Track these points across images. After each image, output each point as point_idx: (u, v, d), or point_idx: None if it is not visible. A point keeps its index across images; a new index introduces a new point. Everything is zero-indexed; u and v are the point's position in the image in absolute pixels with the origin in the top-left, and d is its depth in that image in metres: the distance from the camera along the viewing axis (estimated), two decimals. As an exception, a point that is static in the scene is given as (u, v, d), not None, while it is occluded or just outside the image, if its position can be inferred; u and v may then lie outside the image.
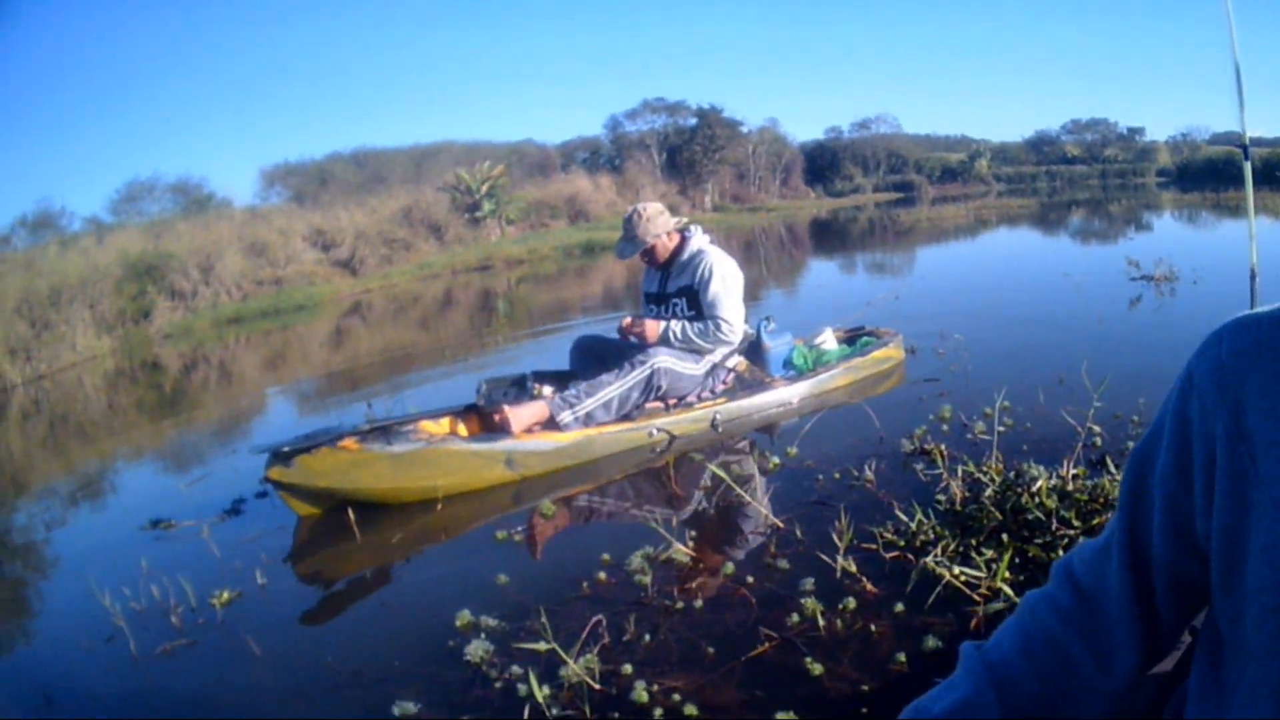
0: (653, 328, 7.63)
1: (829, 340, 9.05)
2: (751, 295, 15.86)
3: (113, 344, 27.84)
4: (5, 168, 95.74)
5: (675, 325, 7.61)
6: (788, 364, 8.58)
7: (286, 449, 6.64)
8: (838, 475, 5.92)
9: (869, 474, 5.69)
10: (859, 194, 66.33)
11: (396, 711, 3.87)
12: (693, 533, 5.30)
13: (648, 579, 4.76)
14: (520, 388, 7.90)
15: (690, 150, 61.50)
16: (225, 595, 5.49)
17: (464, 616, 4.65)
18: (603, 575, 4.94)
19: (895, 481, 5.67)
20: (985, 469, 5.26)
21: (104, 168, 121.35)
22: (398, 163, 57.38)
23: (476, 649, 4.25)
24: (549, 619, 4.22)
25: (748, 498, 5.48)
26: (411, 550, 6.16)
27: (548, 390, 7.84)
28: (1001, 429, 5.90)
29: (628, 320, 7.82)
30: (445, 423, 7.66)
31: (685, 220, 8.07)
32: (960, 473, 5.19)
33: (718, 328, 7.58)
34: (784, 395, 8.01)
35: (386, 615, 5.20)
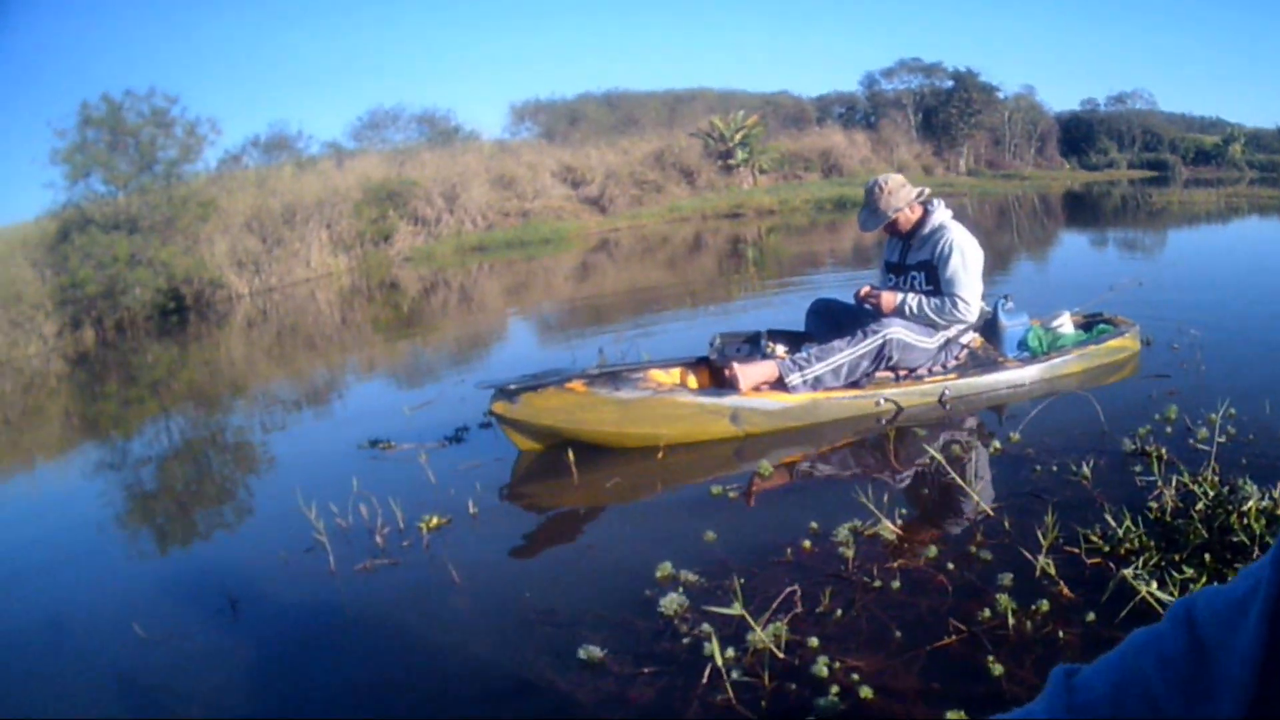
0: (889, 299, 7.62)
1: (1066, 324, 8.86)
2: (998, 267, 15.74)
3: (349, 263, 28.89)
4: (240, 89, 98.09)
5: (912, 299, 7.58)
6: (1022, 345, 8.43)
7: (513, 386, 6.85)
8: (1055, 467, 5.85)
9: (1085, 470, 5.59)
10: (1113, 169, 64.26)
11: (582, 654, 3.98)
12: (903, 510, 5.29)
13: (850, 552, 4.80)
14: (753, 345, 7.96)
15: (946, 112, 60.40)
16: (434, 520, 5.80)
17: (664, 568, 4.79)
18: (807, 543, 5.02)
19: (1110, 482, 5.56)
20: (1200, 480, 5.10)
21: (346, 96, 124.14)
22: (651, 106, 57.09)
23: (671, 603, 4.37)
24: (746, 581, 4.39)
25: (961, 482, 5.43)
26: (626, 496, 6.32)
27: (780, 350, 7.89)
28: (1222, 439, 5.67)
29: (865, 289, 7.84)
30: (675, 373, 7.79)
31: (928, 192, 8.00)
32: (1174, 482, 5.05)
33: (954, 305, 7.52)
34: (1015, 377, 7.90)
35: (589, 558, 5.34)
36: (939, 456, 5.62)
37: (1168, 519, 4.81)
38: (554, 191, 40.00)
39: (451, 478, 6.73)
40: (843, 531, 5.03)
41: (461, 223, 34.77)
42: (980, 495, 5.39)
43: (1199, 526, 4.56)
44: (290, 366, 14.10)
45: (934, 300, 7.59)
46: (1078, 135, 69.75)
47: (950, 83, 61.73)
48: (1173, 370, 8.20)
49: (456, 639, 4.47)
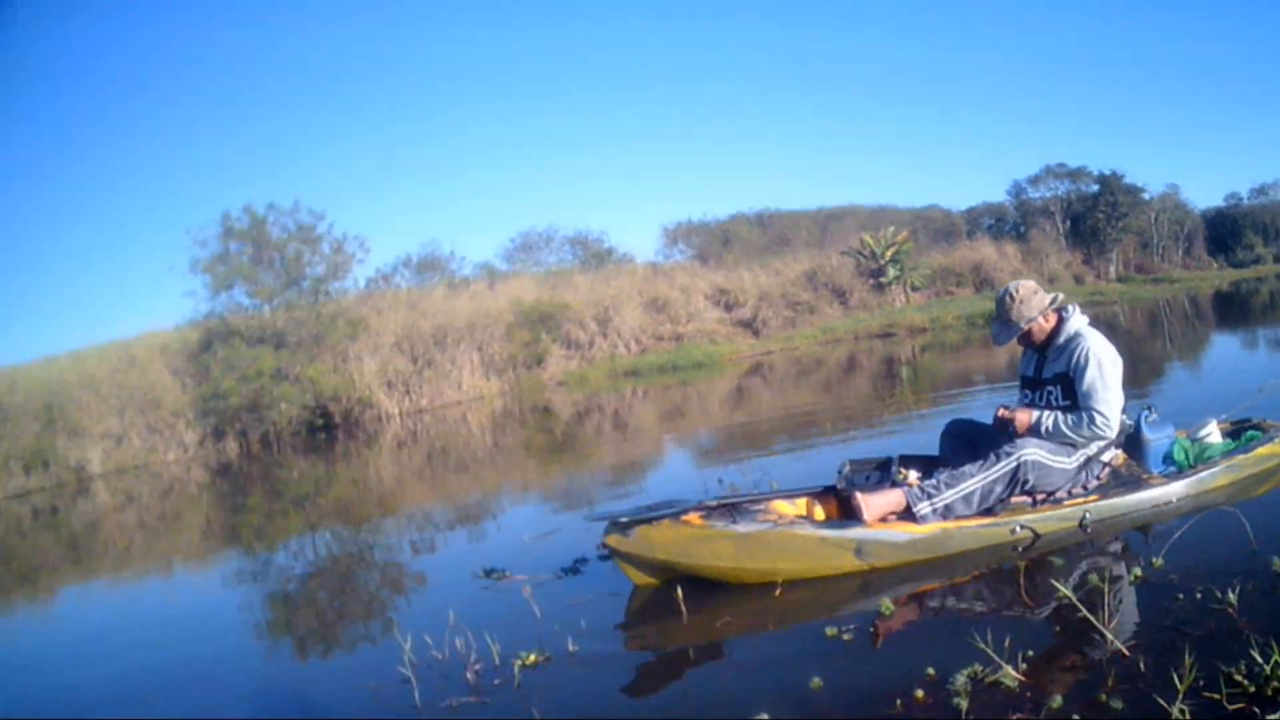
0: (1024, 418, 7.14)
1: (1213, 434, 8.20)
2: (1144, 376, 15.15)
3: (501, 386, 29.50)
4: (392, 208, 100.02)
5: (1047, 417, 7.08)
6: (1168, 459, 7.83)
7: (625, 519, 6.60)
8: (1199, 595, 5.25)
9: (1231, 598, 5.00)
10: (1259, 265, 63.06)
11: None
12: (1030, 651, 4.76)
13: (966, 703, 4.33)
14: (884, 472, 7.55)
15: (1093, 218, 59.80)
16: (532, 657, 5.54)
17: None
18: (920, 693, 4.54)
19: (1259, 610, 4.96)
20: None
21: (499, 218, 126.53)
22: (802, 225, 57.85)
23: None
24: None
25: (1094, 619, 4.88)
26: (736, 636, 5.94)
27: (913, 476, 7.45)
28: None
29: (1003, 410, 7.34)
30: (801, 503, 7.41)
31: (1061, 298, 7.50)
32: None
33: (1091, 420, 6.99)
34: (1159, 495, 7.28)
35: (684, 704, 5.05)
36: (1068, 592, 5.10)
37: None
38: (707, 314, 40.17)
39: (558, 611, 6.55)
40: (960, 679, 4.55)
41: (614, 346, 35.07)
42: (1116, 632, 4.84)
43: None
44: (437, 489, 14.13)
45: (1071, 416, 7.07)
46: (1224, 231, 68.92)
47: (1095, 186, 61.17)
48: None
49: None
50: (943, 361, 26.78)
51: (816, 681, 4.82)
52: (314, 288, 26.48)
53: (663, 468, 14.04)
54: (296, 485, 15.87)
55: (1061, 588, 5.21)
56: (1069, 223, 61.92)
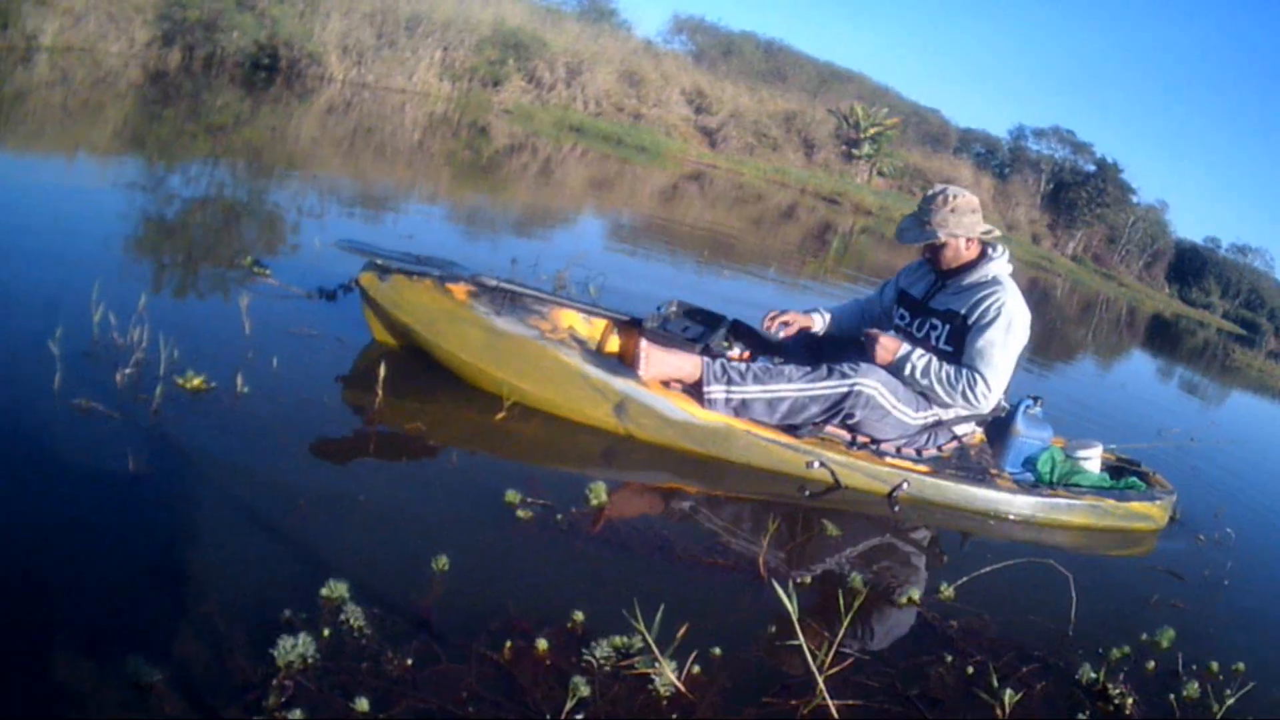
0: (889, 347, 5.62)
1: (1094, 459, 6.75)
2: (1046, 360, 14.10)
3: (450, 92, 28.52)
4: None
5: (920, 357, 5.58)
6: (1029, 464, 6.40)
7: (385, 260, 5.26)
8: (970, 670, 3.83)
9: (1007, 697, 3.56)
10: (1208, 311, 63.09)
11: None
12: (718, 647, 3.43)
13: (587, 690, 2.99)
14: (710, 329, 6.01)
15: (1076, 193, 59.13)
16: (195, 380, 4.51)
17: (333, 588, 3.15)
18: (543, 644, 3.19)
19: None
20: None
21: None
22: (805, 69, 57.03)
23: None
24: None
25: (810, 658, 3.29)
26: (411, 452, 4.66)
27: (736, 350, 6.01)
28: (1218, 711, 3.89)
29: (775, 316, 5.97)
30: (599, 325, 6.03)
31: (997, 234, 5.94)
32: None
33: (971, 384, 5.52)
34: (1001, 501, 5.87)
35: (286, 510, 3.76)
36: (789, 603, 3.26)
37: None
38: (675, 108, 39.46)
39: (270, 336, 5.33)
40: (604, 647, 3.21)
41: (574, 98, 34.05)
42: (831, 678, 3.38)
43: None
44: (342, 164, 13.32)
45: (949, 368, 5.58)
46: (1188, 268, 69.16)
47: (1092, 167, 60.69)
48: (1190, 570, 6.14)
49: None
50: (874, 249, 25.88)
51: (442, 562, 3.51)
52: None
53: (565, 232, 13.12)
54: (218, 114, 14.96)
55: (786, 600, 3.42)
56: (1052, 186, 60.90)
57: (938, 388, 5.55)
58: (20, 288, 5.28)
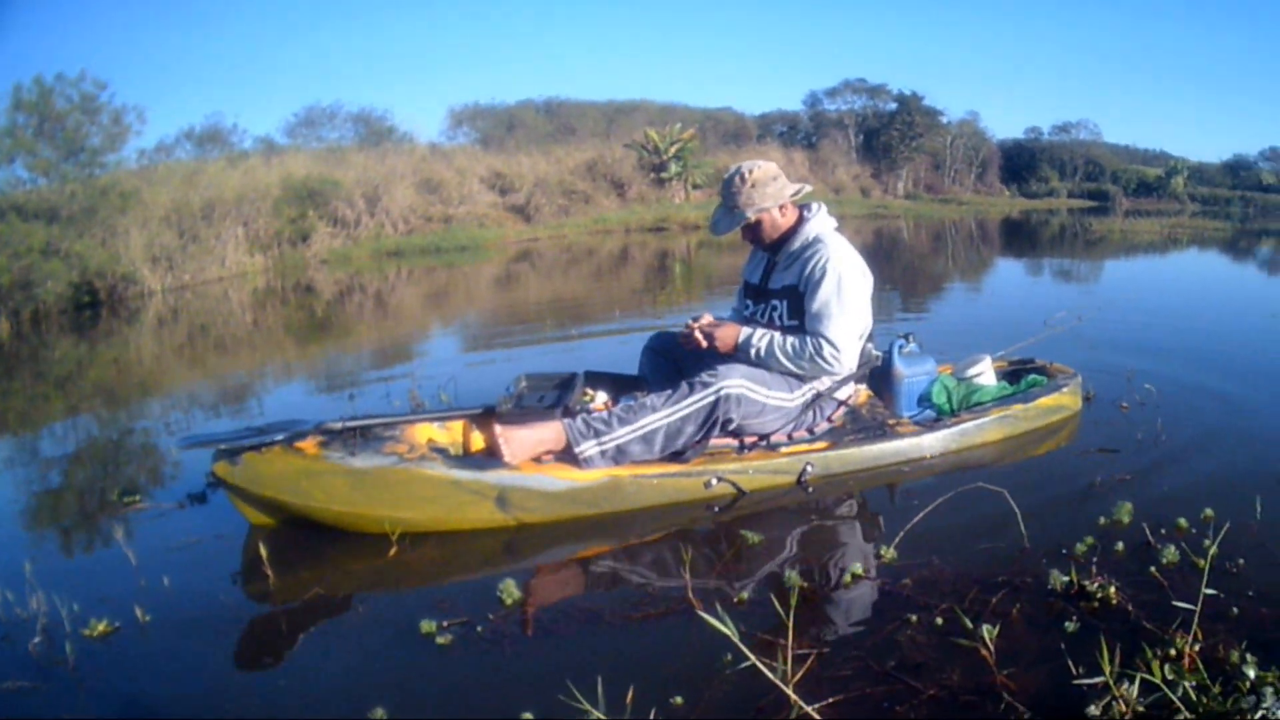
0: (729, 334, 5.47)
1: (986, 373, 6.68)
2: (912, 296, 14.10)
3: (265, 263, 28.24)
4: (178, 78, 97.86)
5: (760, 337, 5.41)
6: (925, 400, 6.28)
7: (228, 444, 5.04)
8: (939, 620, 3.65)
9: (986, 634, 3.34)
10: (1053, 198, 64.44)
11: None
12: (678, 695, 3.22)
13: None
14: (566, 390, 5.76)
15: (888, 135, 60.26)
16: (100, 627, 4.28)
17: None
18: None
19: (1027, 650, 3.43)
20: (1170, 657, 3.14)
21: (284, 91, 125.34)
22: (589, 116, 57.50)
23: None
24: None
25: (765, 671, 3.09)
26: (318, 618, 4.39)
27: (601, 398, 5.88)
28: (1202, 563, 3.64)
29: (693, 322, 5.65)
30: (456, 428, 5.72)
31: (808, 190, 5.80)
32: (1135, 677, 2.90)
33: (817, 350, 5.34)
34: (908, 448, 5.70)
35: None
36: (726, 629, 3.06)
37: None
38: (480, 197, 39.65)
39: (156, 557, 5.07)
40: None
41: (382, 225, 34.28)
42: (801, 682, 3.16)
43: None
44: (191, 369, 13.09)
45: (792, 340, 5.40)
46: (1020, 163, 70.60)
47: (894, 105, 62.44)
48: (1122, 440, 6.07)
49: None
50: (716, 259, 25.93)
51: (379, 714, 3.25)
52: (89, 159, 24.79)
53: (425, 353, 12.76)
54: (59, 366, 14.52)
55: (719, 626, 3.19)
56: (862, 137, 61.92)
57: (786, 362, 5.40)
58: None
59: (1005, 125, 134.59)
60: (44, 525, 6.18)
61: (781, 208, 5.63)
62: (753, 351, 5.37)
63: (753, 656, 3.03)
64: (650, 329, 7.71)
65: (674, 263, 26.21)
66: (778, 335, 5.39)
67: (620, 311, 14.41)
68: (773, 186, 5.58)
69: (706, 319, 5.61)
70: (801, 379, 5.46)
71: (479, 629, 3.93)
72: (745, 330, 5.44)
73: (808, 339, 5.35)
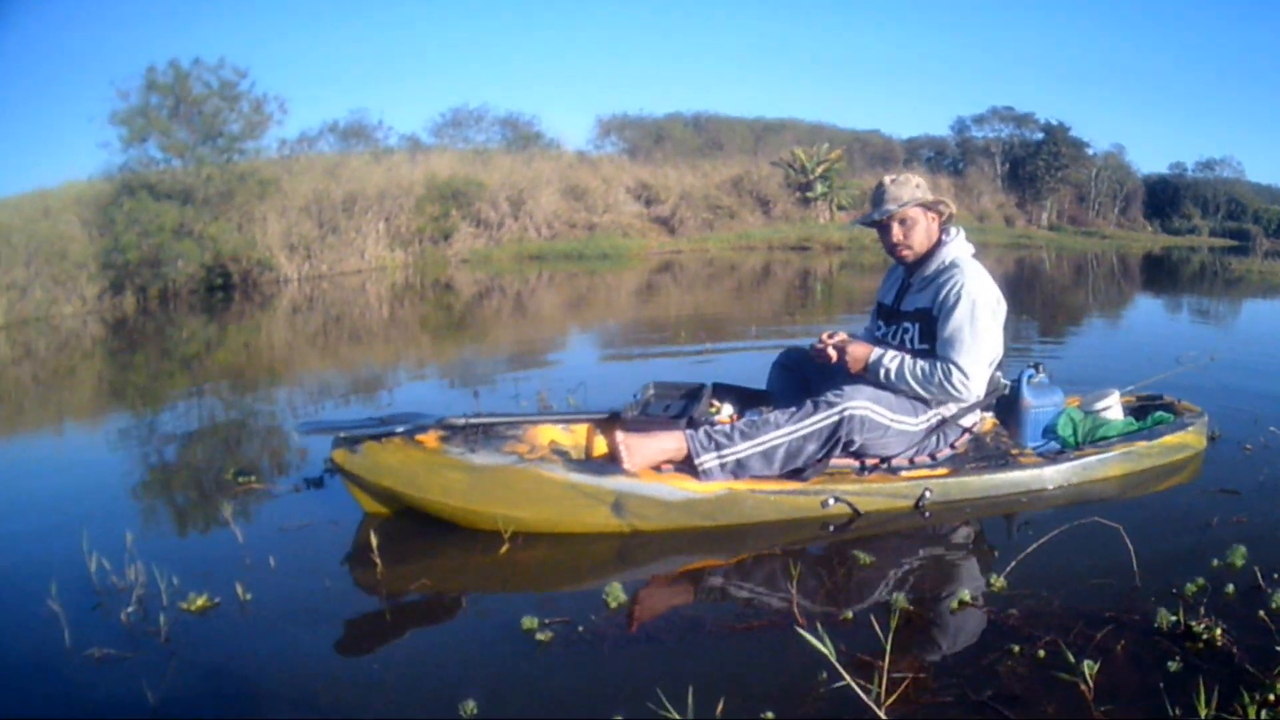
0: (860, 353, 5.42)
1: (1114, 408, 6.52)
2: (1056, 326, 13.89)
3: (405, 259, 28.83)
4: (323, 73, 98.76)
5: (891, 359, 5.35)
6: (1050, 432, 6.15)
7: (349, 432, 5.12)
8: (1042, 653, 3.59)
9: (1087, 670, 3.29)
10: (1194, 235, 62.99)
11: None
12: (768, 713, 3.16)
13: None
14: (692, 400, 5.77)
15: (1033, 164, 59.29)
16: (199, 601, 4.36)
17: None
18: None
19: (1126, 688, 3.36)
20: (1275, 703, 3.05)
21: (431, 92, 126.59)
22: (737, 132, 57.23)
23: None
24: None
25: (864, 696, 3.08)
26: (423, 613, 4.46)
27: (726, 411, 5.84)
28: None
29: (827, 336, 5.60)
30: (580, 431, 5.71)
31: (949, 209, 5.70)
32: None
33: (947, 376, 5.25)
34: (1031, 479, 5.60)
35: (310, 701, 3.63)
36: (815, 640, 3.08)
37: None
38: (625, 207, 39.91)
39: (264, 537, 5.19)
40: None
41: (525, 229, 34.72)
42: (894, 705, 3.17)
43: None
44: (323, 359, 13.31)
45: (923, 364, 5.32)
46: (1163, 199, 69.26)
47: (1040, 134, 61.36)
48: (1243, 482, 5.89)
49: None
50: (858, 281, 25.63)
51: (470, 707, 3.30)
52: (227, 145, 25.17)
53: (558, 359, 12.75)
54: (186, 345, 14.91)
55: (813, 641, 3.19)
56: (1008, 166, 61.00)
57: (915, 385, 5.33)
58: (24, 557, 5.19)
59: (1150, 160, 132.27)
60: (153, 499, 6.31)
61: (929, 214, 5.60)
62: (882, 372, 5.33)
63: (847, 676, 3.01)
64: (787, 343, 7.70)
65: (815, 282, 25.99)
66: (908, 358, 5.34)
67: (757, 328, 14.42)
68: (920, 190, 5.55)
69: (840, 335, 5.57)
70: (927, 404, 5.40)
71: (580, 629, 3.94)
72: (876, 350, 5.40)
73: (938, 364, 5.29)
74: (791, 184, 46.51)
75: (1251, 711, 2.84)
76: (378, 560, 4.62)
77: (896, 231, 5.60)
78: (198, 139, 24.44)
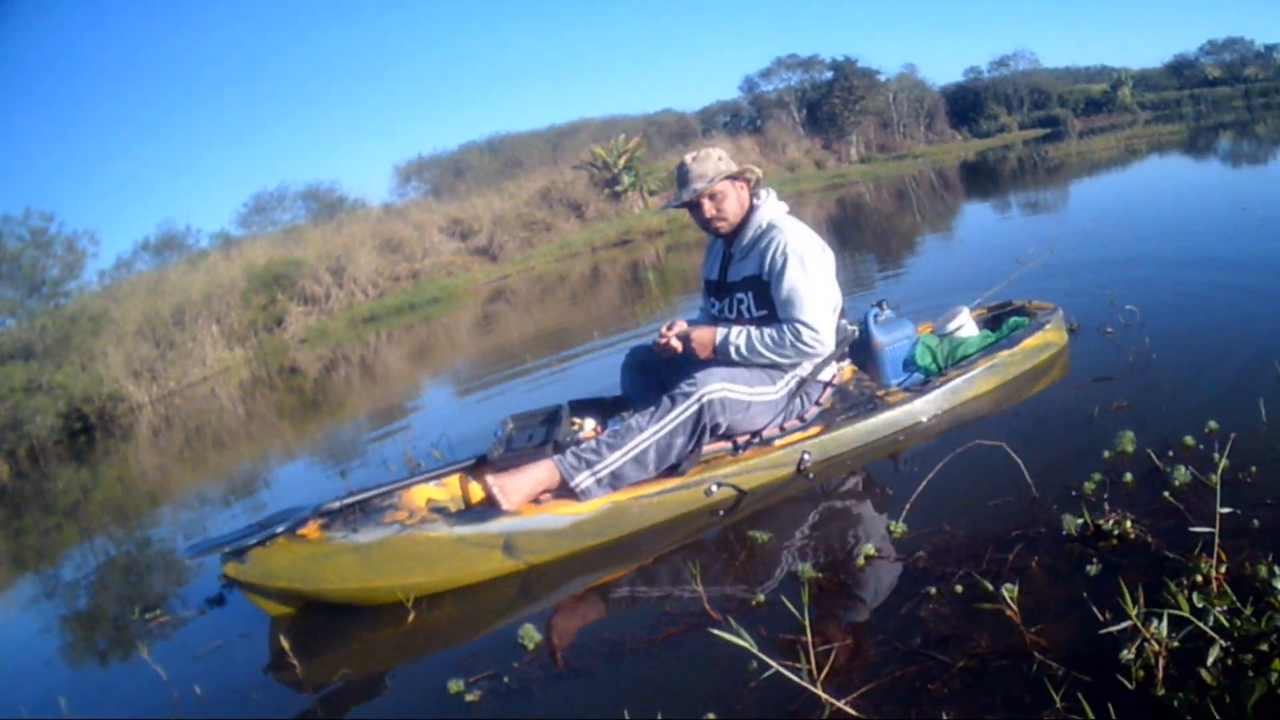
0: (704, 337, 5.38)
1: (966, 325, 6.58)
2: (880, 260, 14.07)
3: (245, 354, 28.57)
4: (123, 194, 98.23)
5: (737, 335, 5.31)
6: (910, 365, 6.22)
7: (231, 546, 5.01)
8: (960, 588, 3.58)
9: (1008, 591, 3.25)
10: (1005, 133, 64.64)
11: None
12: (709, 715, 3.15)
13: None
14: (553, 424, 5.67)
15: (830, 104, 60.29)
16: None
17: None
18: None
19: (1051, 604, 3.36)
20: (1197, 585, 3.07)
21: (229, 184, 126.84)
22: (534, 146, 58.15)
23: None
24: None
25: (791, 674, 3.01)
26: (351, 698, 4.36)
27: (589, 426, 5.76)
28: (1214, 479, 3.34)
29: (675, 326, 5.53)
30: (452, 483, 5.62)
31: (758, 175, 5.67)
32: (1164, 614, 2.80)
33: (797, 337, 5.23)
34: (902, 415, 5.64)
35: None
36: (731, 635, 2.92)
37: (1159, 689, 2.71)
38: (443, 247, 39.95)
39: (183, 669, 5.03)
40: None
41: (351, 294, 34.64)
42: (829, 678, 3.13)
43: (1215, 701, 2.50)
44: (195, 472, 13.21)
45: (770, 331, 5.29)
46: (966, 105, 70.92)
47: (830, 74, 62.37)
48: (1114, 367, 6.00)
49: None
50: (688, 259, 25.81)
51: None
52: (51, 291, 25.13)
53: (425, 409, 12.76)
54: (64, 496, 14.75)
55: (734, 639, 3.13)
56: (805, 111, 61.96)
57: (768, 354, 5.32)
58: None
59: (944, 72, 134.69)
60: (73, 655, 6.21)
61: (737, 184, 5.59)
62: (732, 350, 5.29)
63: (774, 663, 2.99)
64: (633, 340, 7.67)
65: (645, 271, 26.31)
66: (753, 329, 5.32)
67: (599, 331, 14.42)
68: (717, 163, 5.53)
69: (680, 325, 5.52)
70: (782, 369, 5.39)
71: (505, 679, 3.90)
72: (720, 330, 5.36)
73: (784, 327, 5.26)
74: (598, 182, 46.75)
75: (1181, 599, 2.82)
76: (295, 662, 4.57)
77: (708, 207, 5.59)
78: (23, 293, 24.35)
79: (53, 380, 22.23)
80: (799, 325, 5.23)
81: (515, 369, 12.68)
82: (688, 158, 5.60)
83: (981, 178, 35.93)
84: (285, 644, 4.59)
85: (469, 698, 3.80)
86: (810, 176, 49.79)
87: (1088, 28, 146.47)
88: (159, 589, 7.02)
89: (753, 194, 5.69)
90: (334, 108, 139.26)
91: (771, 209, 5.60)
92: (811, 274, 5.29)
